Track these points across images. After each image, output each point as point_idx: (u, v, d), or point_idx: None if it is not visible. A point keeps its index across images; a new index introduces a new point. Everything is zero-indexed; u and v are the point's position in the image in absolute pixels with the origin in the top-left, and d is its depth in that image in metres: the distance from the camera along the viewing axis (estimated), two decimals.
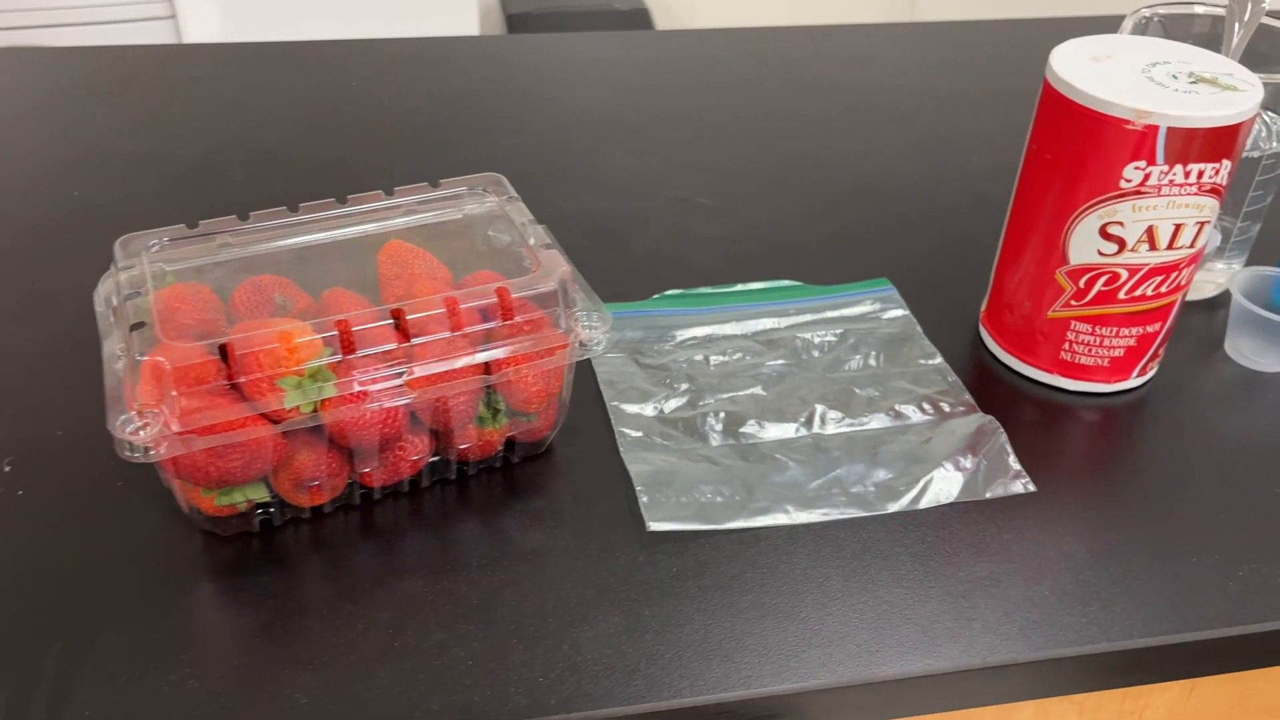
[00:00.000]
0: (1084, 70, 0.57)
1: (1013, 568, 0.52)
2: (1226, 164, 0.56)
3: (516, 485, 0.56)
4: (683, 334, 0.66)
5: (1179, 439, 0.61)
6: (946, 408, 0.61)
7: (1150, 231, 0.57)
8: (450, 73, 0.97)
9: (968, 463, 0.57)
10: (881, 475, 0.57)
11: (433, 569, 0.51)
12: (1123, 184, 0.56)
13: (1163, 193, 0.56)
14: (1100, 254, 0.58)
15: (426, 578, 0.51)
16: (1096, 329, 0.61)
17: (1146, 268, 0.58)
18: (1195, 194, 0.56)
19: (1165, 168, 0.55)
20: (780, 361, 0.64)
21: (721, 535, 0.53)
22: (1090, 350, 0.62)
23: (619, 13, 2.61)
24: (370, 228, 0.57)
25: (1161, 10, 0.69)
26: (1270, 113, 0.67)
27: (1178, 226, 0.57)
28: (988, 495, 0.56)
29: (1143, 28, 0.69)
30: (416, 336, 0.50)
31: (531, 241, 0.54)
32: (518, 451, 0.57)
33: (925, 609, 0.50)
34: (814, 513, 0.55)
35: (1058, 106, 0.57)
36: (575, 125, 0.89)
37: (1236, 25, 0.68)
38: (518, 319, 0.51)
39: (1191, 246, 0.58)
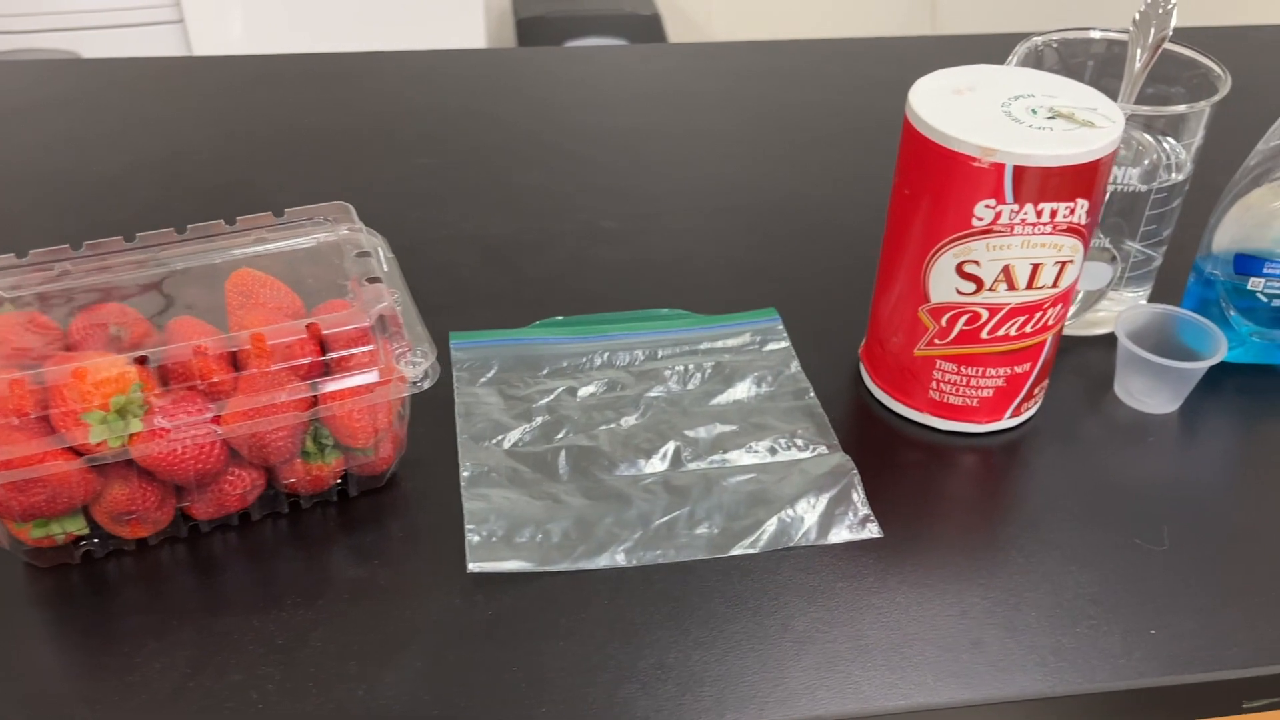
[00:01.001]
0: (940, 104, 0.55)
1: (837, 618, 0.51)
2: (1083, 203, 0.54)
3: (350, 520, 0.55)
4: (554, 364, 0.65)
5: (1048, 483, 0.59)
6: (807, 446, 0.59)
7: (1007, 271, 0.55)
8: (375, 90, 0.96)
9: (816, 505, 0.56)
10: (727, 516, 0.55)
11: (246, 606, 0.51)
12: (975, 222, 0.54)
13: (1016, 232, 0.54)
14: (959, 293, 0.57)
15: (238, 615, 0.50)
16: (962, 368, 0.59)
17: (1007, 307, 0.57)
18: (1051, 233, 0.54)
19: (1015, 206, 0.53)
20: (649, 394, 0.63)
21: (547, 577, 0.52)
22: (958, 390, 0.60)
23: (631, 17, 2.61)
24: (236, 254, 0.56)
25: (1056, 37, 0.67)
26: (1170, 140, 0.65)
27: (1035, 266, 0.55)
28: (830, 540, 0.55)
29: (1035, 55, 0.66)
30: (239, 370, 0.50)
31: (358, 274, 0.54)
32: (356, 485, 0.56)
33: (731, 663, 0.49)
34: (649, 554, 0.54)
35: (914, 141, 0.55)
36: (493, 144, 0.88)
37: (1139, 51, 0.66)
38: (330, 355, 0.50)
39: (1055, 286, 0.56)
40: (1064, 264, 0.56)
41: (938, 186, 0.55)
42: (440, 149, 0.87)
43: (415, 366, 0.51)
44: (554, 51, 1.07)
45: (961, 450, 0.61)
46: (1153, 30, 0.66)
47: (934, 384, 0.60)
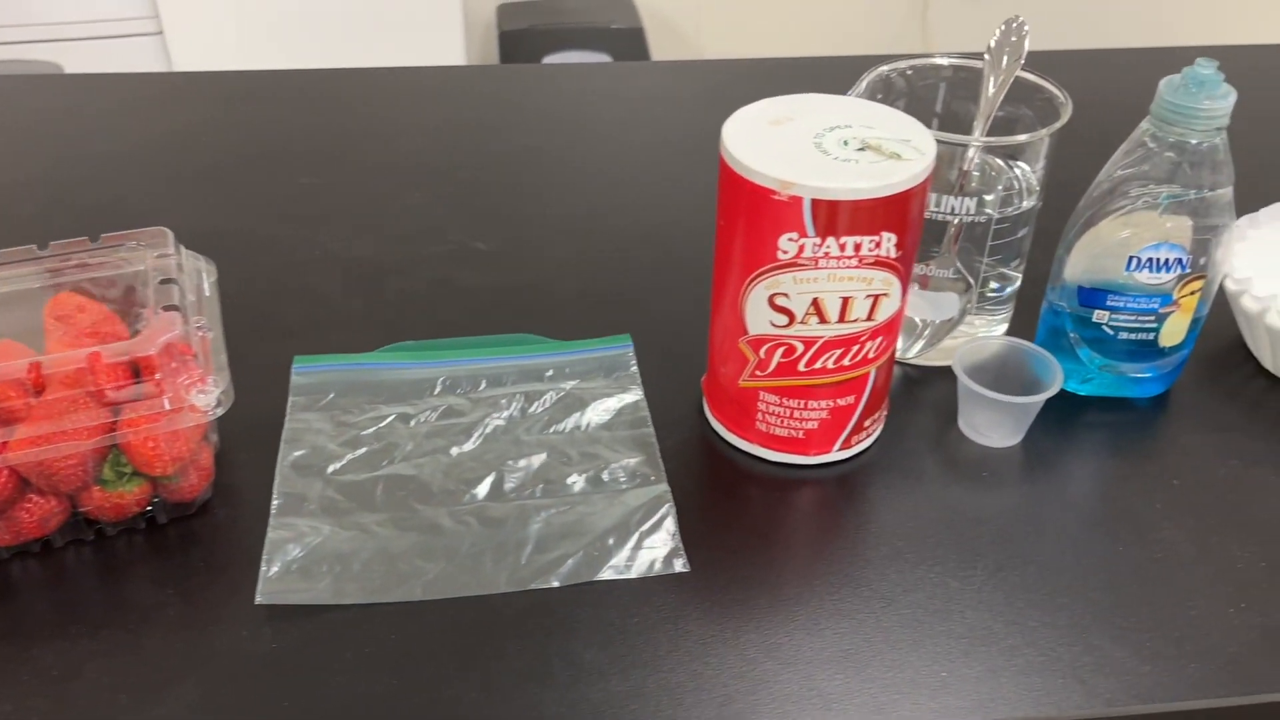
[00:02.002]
0: (753, 135, 0.55)
1: (628, 654, 0.50)
2: (890, 236, 0.53)
3: (154, 548, 0.55)
4: (393, 390, 0.64)
5: (873, 518, 0.58)
6: (632, 478, 0.59)
7: (817, 304, 0.55)
8: (276, 109, 0.96)
9: (626, 539, 0.55)
10: (535, 549, 0.55)
11: (28, 635, 0.51)
12: (780, 255, 0.54)
13: (820, 265, 0.53)
14: (773, 325, 0.56)
15: (18, 644, 0.50)
16: (784, 400, 0.59)
17: (821, 340, 0.56)
18: (857, 267, 0.53)
19: (818, 240, 0.53)
20: (484, 422, 0.62)
21: (339, 610, 0.52)
22: (783, 422, 0.59)
23: (615, 32, 2.61)
24: (48, 280, 0.57)
25: (903, 65, 0.66)
26: (1022, 165, 0.65)
27: (846, 300, 0.55)
28: (634, 575, 0.54)
29: (882, 83, 0.66)
30: (36, 397, 0.50)
31: (156, 301, 0.54)
32: (165, 512, 0.56)
33: (514, 699, 0.48)
34: (449, 587, 0.53)
35: (725, 173, 0.55)
36: (380, 165, 0.88)
37: (992, 78, 0.65)
38: (118, 384, 0.50)
39: (870, 320, 0.56)
40: (877, 297, 0.55)
41: (745, 219, 0.54)
42: (327, 169, 0.87)
43: (206, 395, 0.51)
44: (460, 70, 1.07)
45: (791, 483, 0.60)
46: (1006, 58, 0.66)
47: (760, 415, 0.60)
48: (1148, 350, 0.64)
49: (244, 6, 2.14)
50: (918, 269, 0.64)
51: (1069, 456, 0.62)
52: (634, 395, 0.65)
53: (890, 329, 0.57)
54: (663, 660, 0.50)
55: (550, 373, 0.66)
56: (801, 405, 0.58)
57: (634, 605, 0.53)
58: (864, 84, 0.65)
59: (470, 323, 0.70)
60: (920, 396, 0.65)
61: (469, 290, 0.74)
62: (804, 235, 0.53)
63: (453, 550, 0.55)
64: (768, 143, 0.54)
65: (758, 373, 0.58)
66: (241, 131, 0.92)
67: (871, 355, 0.57)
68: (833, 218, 0.52)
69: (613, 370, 0.67)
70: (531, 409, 0.63)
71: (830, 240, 0.53)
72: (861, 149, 0.54)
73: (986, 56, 0.66)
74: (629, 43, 2.64)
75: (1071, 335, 0.64)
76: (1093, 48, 1.09)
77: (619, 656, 0.50)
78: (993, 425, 0.62)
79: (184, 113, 0.95)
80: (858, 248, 0.53)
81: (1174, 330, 0.63)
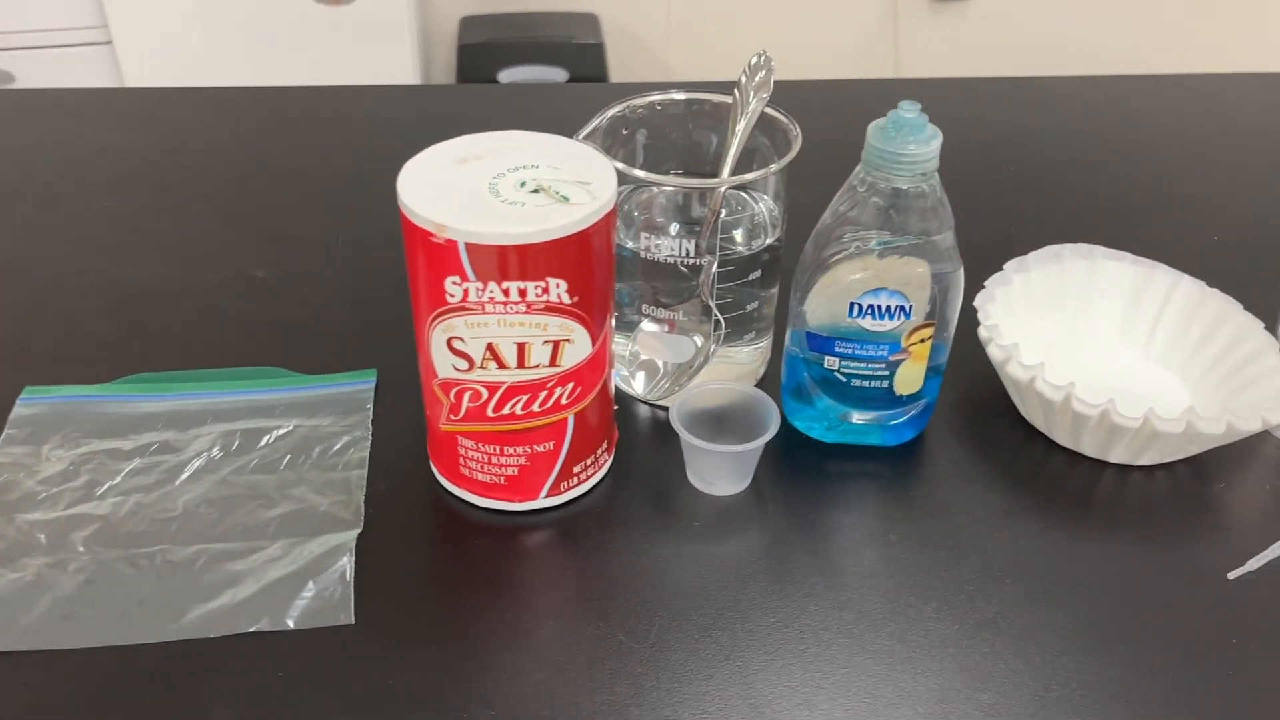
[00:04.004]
0: (432, 174, 0.53)
1: (257, 712, 0.48)
2: (559, 282, 0.51)
3: None
4: (115, 425, 0.63)
5: (566, 568, 0.57)
6: (326, 523, 0.57)
7: (492, 349, 0.53)
8: (98, 128, 0.95)
9: (299, 588, 0.54)
10: (204, 595, 0.54)
11: None
12: (449, 299, 0.52)
13: (489, 310, 0.52)
14: (456, 369, 0.54)
15: None
16: (480, 445, 0.57)
17: (504, 386, 0.54)
18: (527, 312, 0.52)
19: (480, 284, 0.51)
20: (193, 462, 0.61)
21: None
22: (483, 467, 0.58)
23: (573, 46, 2.60)
24: None
25: (639, 101, 0.64)
26: (766, 198, 0.63)
27: (522, 345, 0.53)
28: (295, 625, 0.53)
29: (622, 120, 0.64)
30: None
31: None
32: None
33: None
34: (100, 634, 0.52)
35: (401, 212, 0.53)
36: (172, 184, 0.87)
37: (740, 115, 0.64)
38: None
39: (554, 365, 0.54)
40: (558, 343, 0.53)
41: (417, 260, 0.53)
42: (128, 191, 0.86)
43: None
44: (270, 92, 1.05)
45: (497, 529, 0.59)
46: (753, 94, 0.64)
47: (462, 460, 0.58)
48: (885, 398, 0.62)
49: (194, 17, 2.15)
50: (663, 313, 0.63)
51: (796, 507, 0.60)
52: (359, 435, 0.63)
53: (585, 374, 0.55)
54: (303, 717, 0.48)
55: (281, 409, 0.64)
56: (498, 451, 0.57)
57: (286, 658, 0.51)
58: (608, 115, 0.63)
59: (226, 354, 0.69)
60: (669, 441, 0.63)
61: (235, 320, 0.73)
62: (466, 279, 0.51)
63: (115, 595, 0.53)
64: (442, 183, 0.53)
65: (451, 416, 0.56)
66: (62, 150, 0.91)
67: (565, 401, 0.55)
68: (490, 262, 0.50)
69: (348, 408, 0.65)
70: (250, 447, 0.62)
71: (493, 285, 0.51)
72: (535, 191, 0.52)
73: (735, 92, 0.64)
74: (589, 59, 2.63)
75: (809, 382, 0.62)
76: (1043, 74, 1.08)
77: (254, 714, 0.48)
78: (715, 474, 0.61)
79: (13, 131, 0.94)
80: (523, 293, 0.51)
81: (909, 378, 0.61)
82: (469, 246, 0.50)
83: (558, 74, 2.55)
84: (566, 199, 0.52)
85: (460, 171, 0.54)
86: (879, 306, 0.58)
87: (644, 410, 0.66)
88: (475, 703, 0.49)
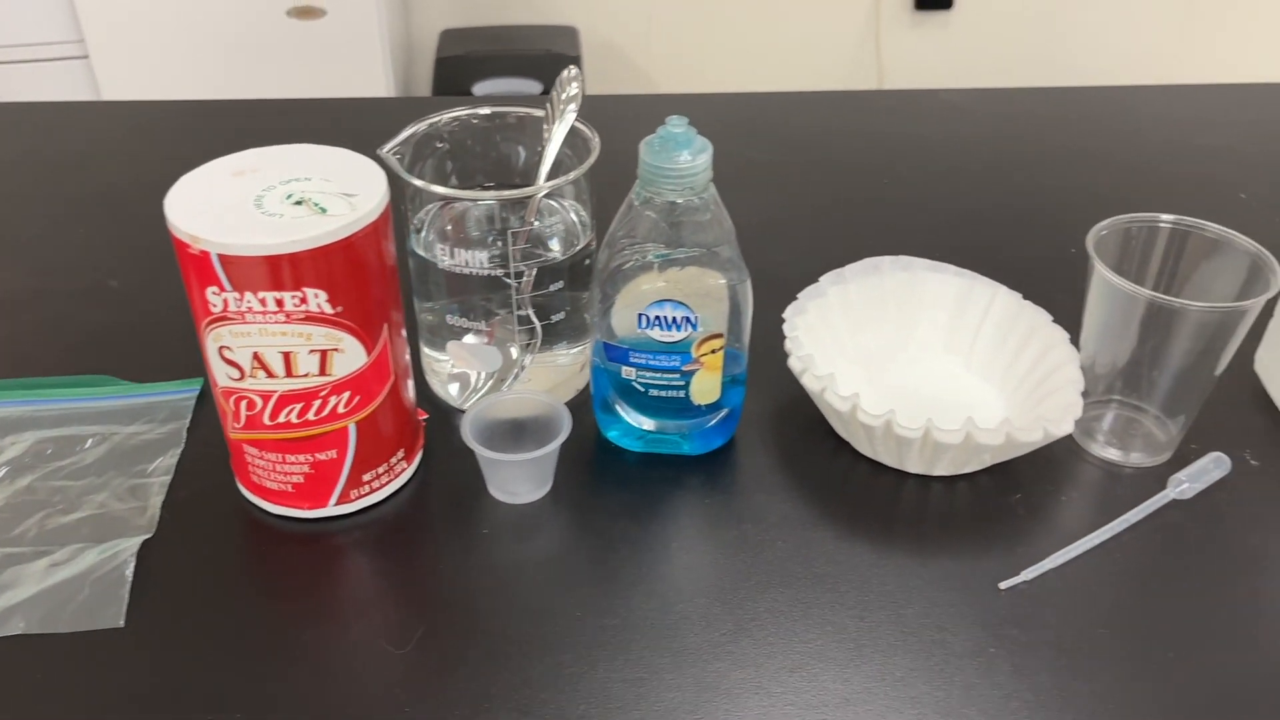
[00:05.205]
0: (203, 185, 0.55)
1: (21, 715, 0.49)
2: (318, 292, 0.52)
3: None
4: None
5: (343, 578, 0.57)
6: (117, 527, 0.59)
7: (259, 358, 0.54)
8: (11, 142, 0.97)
9: (77, 593, 0.55)
10: None
11: None
12: (212, 309, 0.53)
13: (249, 319, 0.53)
14: (230, 378, 0.55)
15: None
16: (264, 454, 0.58)
17: (276, 395, 0.55)
18: (287, 322, 0.53)
19: (237, 295, 0.52)
20: (3, 469, 0.62)
21: None
22: (270, 475, 0.59)
23: (548, 57, 2.61)
24: None
25: (446, 117, 0.65)
26: (579, 207, 0.64)
27: (287, 354, 0.54)
28: (62, 629, 0.54)
29: (434, 135, 0.65)
30: None
31: None
32: None
33: None
34: None
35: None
36: (52, 196, 0.88)
37: (551, 125, 0.65)
38: None
39: (325, 374, 0.55)
40: (326, 352, 0.54)
41: (184, 271, 0.54)
42: (6, 202, 0.88)
43: None
44: (175, 105, 1.07)
45: (287, 537, 0.60)
46: (563, 108, 0.65)
47: (250, 467, 0.59)
48: (683, 407, 0.62)
49: (169, 31, 2.17)
50: (483, 324, 0.64)
51: (590, 516, 0.61)
52: (172, 443, 0.64)
53: (363, 384, 0.56)
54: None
55: (102, 417, 0.66)
56: (280, 459, 0.58)
57: (52, 661, 0.52)
58: (415, 133, 0.64)
59: (65, 362, 0.70)
60: None
61: (80, 328, 0.74)
62: (224, 290, 0.52)
63: None
64: (211, 195, 0.54)
65: (234, 424, 0.57)
66: None
67: (343, 410, 0.56)
68: (243, 273, 0.51)
69: (168, 416, 0.66)
70: (63, 454, 0.63)
71: (249, 295, 0.52)
72: (298, 203, 0.53)
73: (548, 106, 0.65)
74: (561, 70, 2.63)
75: (610, 392, 0.63)
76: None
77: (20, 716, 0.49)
78: (510, 482, 0.61)
79: None
80: (280, 303, 0.52)
81: (705, 388, 0.62)
82: (222, 258, 0.51)
83: (532, 86, 2.56)
84: (324, 210, 0.52)
85: (233, 184, 0.55)
86: (665, 318, 0.59)
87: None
88: (218, 706, 0.50)
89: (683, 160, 0.56)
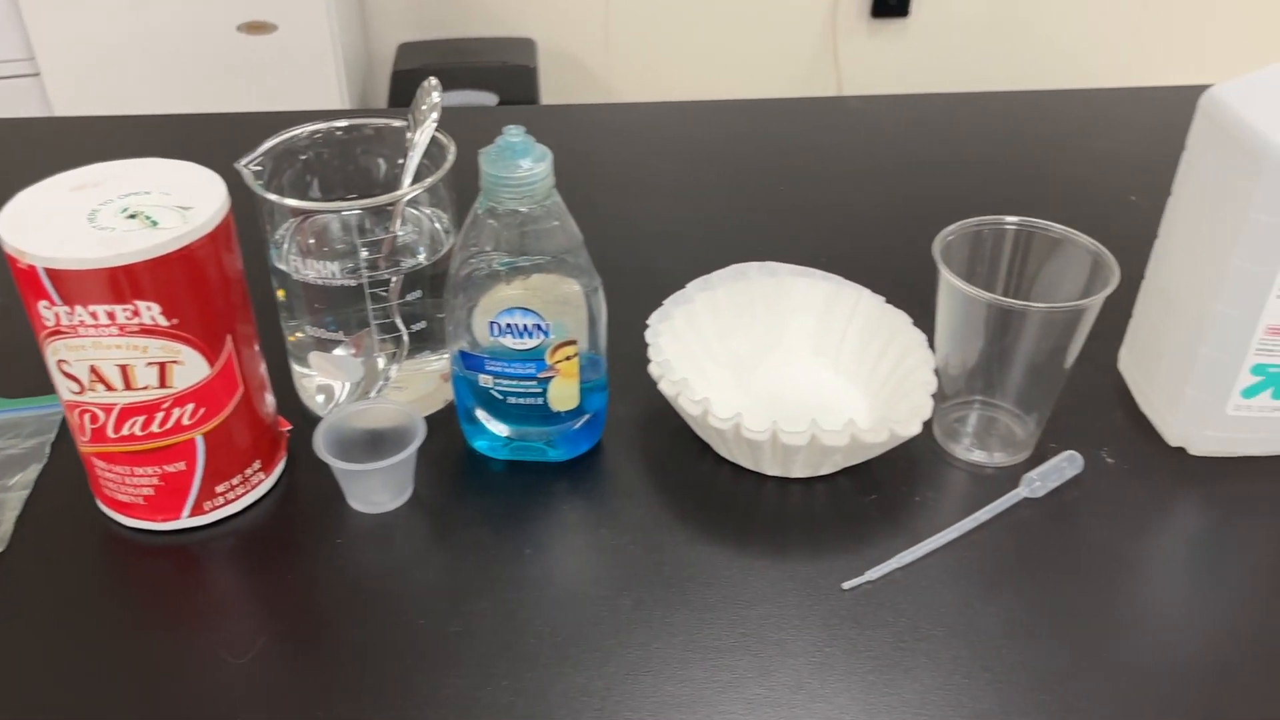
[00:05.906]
0: (41, 200, 0.55)
1: None
2: (150, 305, 0.53)
3: None
4: None
5: (191, 589, 0.58)
6: None
7: (96, 371, 0.54)
8: None
9: None
10: None
11: None
12: (45, 323, 0.53)
13: (81, 333, 0.53)
14: (71, 392, 0.56)
15: None
16: (112, 466, 0.58)
17: (118, 407, 0.55)
18: (121, 335, 0.53)
19: (68, 309, 0.52)
20: None
21: None
22: (119, 487, 0.59)
23: (505, 69, 2.62)
24: None
25: (305, 130, 0.66)
26: (438, 211, 0.64)
27: (124, 367, 0.54)
28: None
29: (285, 151, 0.65)
30: None
31: None
32: None
33: None
34: None
35: None
36: None
37: (417, 136, 0.65)
38: None
39: (165, 387, 0.55)
40: (164, 364, 0.55)
41: (17, 284, 0.54)
42: None
43: None
44: (109, 120, 1.07)
45: (141, 550, 0.60)
46: (424, 117, 0.65)
47: (101, 480, 0.59)
48: (544, 415, 0.62)
49: (120, 48, 2.18)
50: (348, 335, 0.64)
51: (447, 525, 0.61)
52: (33, 458, 0.64)
53: (208, 395, 0.56)
54: None
55: None
56: (129, 471, 0.58)
57: None
58: (265, 149, 0.64)
59: None
60: None
61: None
62: (54, 304, 0.52)
63: None
64: (47, 209, 0.54)
65: (81, 438, 0.58)
66: None
67: (188, 422, 0.57)
68: (71, 287, 0.51)
69: (34, 431, 0.66)
70: None
71: (79, 309, 0.52)
72: (131, 217, 0.53)
73: (410, 116, 0.66)
74: (520, 83, 2.65)
75: (471, 401, 0.63)
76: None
77: None
78: (368, 492, 0.62)
79: None
80: (111, 316, 0.52)
81: (563, 395, 0.62)
82: (49, 271, 0.51)
83: (488, 98, 2.57)
84: (156, 223, 0.53)
85: (70, 198, 0.55)
86: (516, 325, 0.59)
87: None
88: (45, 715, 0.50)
89: (522, 169, 0.56)
